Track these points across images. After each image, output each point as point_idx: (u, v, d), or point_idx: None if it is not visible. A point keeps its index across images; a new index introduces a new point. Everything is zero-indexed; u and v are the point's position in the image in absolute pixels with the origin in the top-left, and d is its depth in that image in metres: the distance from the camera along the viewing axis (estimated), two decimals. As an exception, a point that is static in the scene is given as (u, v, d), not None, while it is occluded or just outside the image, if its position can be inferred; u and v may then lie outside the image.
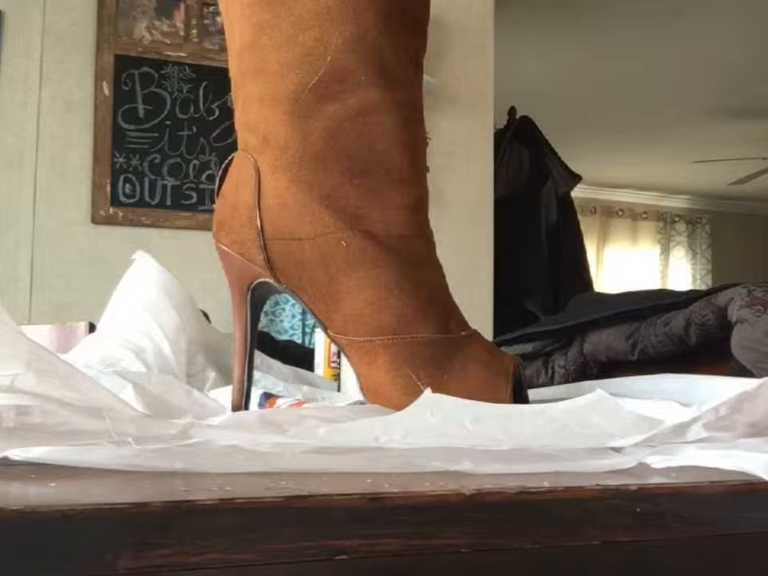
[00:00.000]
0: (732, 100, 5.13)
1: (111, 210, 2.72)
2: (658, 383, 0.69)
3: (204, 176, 2.81)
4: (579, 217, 4.47)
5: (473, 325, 0.60)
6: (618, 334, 1.25)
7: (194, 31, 2.84)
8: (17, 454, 0.36)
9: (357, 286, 0.58)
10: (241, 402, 0.63)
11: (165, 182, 2.78)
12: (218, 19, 2.81)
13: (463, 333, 0.59)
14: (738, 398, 0.46)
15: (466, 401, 0.49)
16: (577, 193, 4.59)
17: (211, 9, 2.83)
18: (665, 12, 3.94)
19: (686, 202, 7.53)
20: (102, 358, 0.79)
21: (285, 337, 2.77)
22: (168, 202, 2.78)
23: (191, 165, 2.80)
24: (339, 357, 0.97)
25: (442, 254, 0.61)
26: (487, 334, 2.86)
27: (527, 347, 1.38)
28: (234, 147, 0.62)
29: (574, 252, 4.12)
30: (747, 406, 0.46)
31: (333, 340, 0.60)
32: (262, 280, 0.61)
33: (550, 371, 1.35)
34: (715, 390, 0.56)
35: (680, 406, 0.55)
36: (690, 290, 1.35)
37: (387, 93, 0.58)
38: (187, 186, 2.80)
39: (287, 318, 2.84)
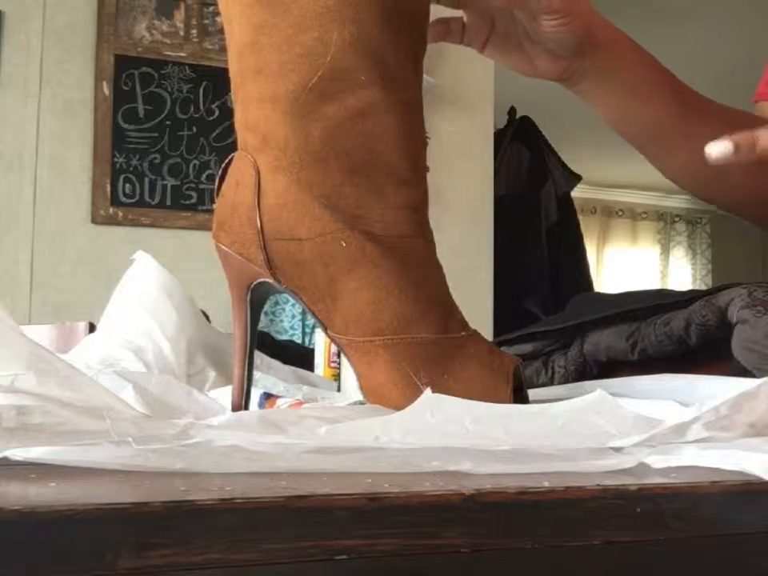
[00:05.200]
0: (732, 100, 5.12)
1: (111, 209, 2.72)
2: (658, 383, 0.69)
3: (204, 176, 2.81)
4: (579, 217, 4.47)
5: (473, 325, 0.60)
6: (618, 333, 1.25)
7: (194, 31, 2.84)
8: (17, 453, 0.36)
9: (356, 286, 0.58)
10: (241, 402, 0.63)
11: (165, 182, 2.78)
12: (218, 19, 2.81)
13: (463, 333, 0.59)
14: (738, 398, 0.46)
15: (466, 401, 0.49)
16: (577, 193, 4.59)
17: (211, 9, 2.83)
18: (664, 12, 3.94)
19: (686, 202, 7.52)
20: (101, 358, 0.79)
21: (285, 337, 2.77)
22: (168, 202, 2.78)
23: (191, 165, 2.80)
24: (339, 357, 0.97)
25: (442, 254, 0.61)
26: (487, 334, 2.86)
27: (527, 347, 1.38)
28: (233, 147, 0.62)
29: (573, 252, 4.13)
30: (747, 405, 0.46)
31: (333, 340, 0.60)
32: (261, 280, 0.61)
33: (549, 371, 1.35)
34: (715, 390, 0.56)
35: (680, 405, 0.55)
36: (690, 290, 1.35)
37: (387, 92, 0.58)
38: (187, 186, 2.80)
39: (287, 318, 2.84)
